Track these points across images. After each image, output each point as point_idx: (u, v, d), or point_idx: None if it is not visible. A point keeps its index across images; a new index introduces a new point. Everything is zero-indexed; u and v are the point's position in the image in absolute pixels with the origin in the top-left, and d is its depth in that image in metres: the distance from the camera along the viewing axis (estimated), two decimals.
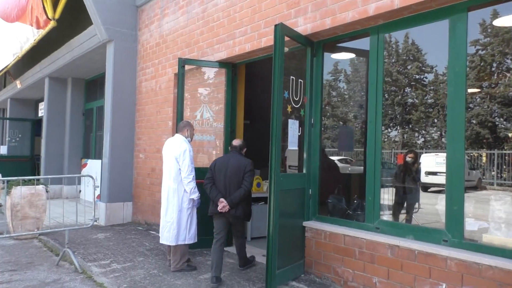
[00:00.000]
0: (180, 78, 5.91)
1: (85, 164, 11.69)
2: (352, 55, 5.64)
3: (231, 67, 6.19)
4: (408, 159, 7.38)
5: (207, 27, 6.36)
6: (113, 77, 7.94)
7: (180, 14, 7.00)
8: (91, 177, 5.86)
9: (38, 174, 14.77)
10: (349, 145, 6.06)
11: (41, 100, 15.05)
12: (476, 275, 3.37)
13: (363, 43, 4.64)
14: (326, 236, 4.61)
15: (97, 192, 10.45)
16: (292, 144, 4.65)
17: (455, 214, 3.62)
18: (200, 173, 6.03)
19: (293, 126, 4.63)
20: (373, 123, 4.32)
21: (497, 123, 19.88)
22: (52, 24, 8.65)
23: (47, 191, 7.35)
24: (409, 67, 25.21)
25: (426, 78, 24.74)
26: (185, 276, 4.92)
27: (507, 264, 3.20)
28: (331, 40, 4.86)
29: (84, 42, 8.69)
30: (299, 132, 4.74)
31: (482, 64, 19.41)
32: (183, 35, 6.92)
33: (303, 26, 4.77)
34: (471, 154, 19.18)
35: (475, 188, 17.36)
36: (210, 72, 6.42)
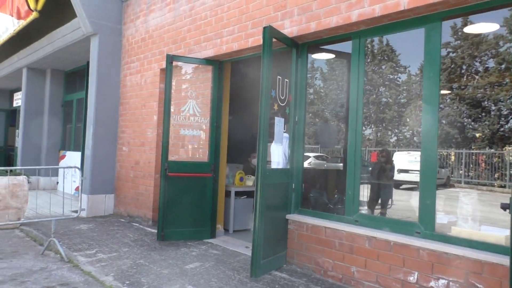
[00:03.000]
0: (168, 74, 6.06)
1: (63, 156, 11.63)
2: (333, 56, 5.92)
3: (217, 64, 6.37)
4: (381, 158, 7.77)
5: (194, 25, 6.51)
6: (98, 70, 7.98)
7: (167, 11, 7.11)
8: (78, 168, 5.94)
9: (12, 165, 14.53)
10: (330, 141, 6.34)
11: (17, 90, 14.79)
12: (446, 264, 3.71)
13: (345, 46, 4.93)
14: (308, 229, 4.88)
15: (76, 183, 10.48)
16: (278, 141, 4.88)
17: (427, 208, 3.95)
18: (193, 167, 6.25)
19: (279, 124, 4.87)
20: (354, 121, 4.60)
21: (465, 123, 20.76)
22: (34, 15, 8.58)
23: (29, 182, 7.37)
24: (383, 67, 25.91)
25: (399, 78, 25.52)
26: (171, 266, 5.10)
27: (473, 254, 3.54)
28: (315, 43, 5.12)
29: (67, 35, 8.66)
30: (284, 129, 4.98)
31: (452, 66, 20.20)
32: (169, 31, 7.05)
33: (289, 28, 5.00)
34: (440, 153, 19.97)
35: (444, 185, 18.14)
36: (196, 69, 6.58)
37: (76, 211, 6.48)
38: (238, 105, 7.95)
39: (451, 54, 20.43)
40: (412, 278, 3.91)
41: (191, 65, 6.52)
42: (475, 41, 19.76)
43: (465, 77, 20.60)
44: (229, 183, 7.01)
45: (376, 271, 4.21)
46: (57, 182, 11.55)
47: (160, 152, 7.27)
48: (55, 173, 11.45)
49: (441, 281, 3.71)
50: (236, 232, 6.96)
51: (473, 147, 20.14)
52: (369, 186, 7.58)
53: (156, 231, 6.92)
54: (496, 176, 18.04)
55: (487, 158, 18.85)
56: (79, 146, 10.62)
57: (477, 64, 20.06)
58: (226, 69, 6.51)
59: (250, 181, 7.24)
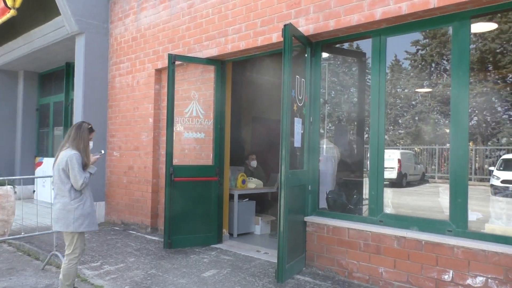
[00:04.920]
0: (170, 74, 5.80)
1: (40, 163, 11.02)
2: (347, 55, 5.87)
3: (220, 64, 6.17)
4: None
5: (194, 23, 6.27)
6: (85, 71, 7.57)
7: (162, 9, 6.83)
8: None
9: None
10: (344, 142, 6.31)
11: None
12: (483, 261, 3.71)
13: (362, 45, 4.87)
14: (329, 230, 4.79)
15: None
16: (297, 142, 4.77)
17: (459, 206, 3.94)
18: (199, 170, 6.04)
19: (298, 125, 4.75)
20: (375, 122, 4.55)
21: (437, 120, 21.41)
22: (11, 13, 8.04)
23: (15, 192, 6.90)
24: (353, 68, 26.26)
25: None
26: (187, 274, 4.88)
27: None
28: (330, 41, 5.03)
29: (48, 34, 8.17)
30: (301, 130, 4.87)
31: (423, 63, 20.81)
32: (165, 30, 6.77)
33: (305, 26, 4.89)
34: (414, 150, 20.52)
35: (419, 181, 18.65)
36: (197, 69, 6.35)
37: None
38: (234, 105, 7.78)
39: (420, 52, 21.03)
40: (447, 277, 3.90)
41: (192, 65, 6.29)
42: (443, 40, 20.38)
43: (435, 74, 21.26)
44: (232, 186, 6.83)
45: (406, 270, 4.17)
46: (34, 191, 10.93)
47: (157, 156, 7.01)
48: (30, 181, 10.81)
49: (479, 279, 3.71)
50: (241, 236, 6.79)
51: (445, 143, 20.80)
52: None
53: (157, 238, 6.65)
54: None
55: None
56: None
57: (445, 62, 20.79)
58: (228, 69, 6.33)
59: (252, 184, 7.09)
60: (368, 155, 4.69)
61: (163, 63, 6.74)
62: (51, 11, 7.83)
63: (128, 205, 7.42)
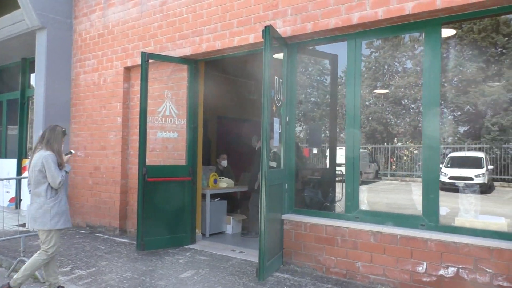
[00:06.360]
0: (143, 73, 5.69)
1: None
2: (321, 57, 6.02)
3: (193, 63, 6.14)
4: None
5: (167, 21, 6.19)
6: (47, 68, 7.24)
7: (132, 5, 6.68)
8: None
9: None
10: (318, 141, 6.46)
11: None
12: (455, 253, 3.97)
13: (336, 47, 5.04)
14: (307, 228, 4.92)
15: (10, 194, 9.43)
16: (275, 141, 4.85)
17: (431, 202, 4.19)
18: (172, 170, 5.98)
19: (276, 124, 4.83)
20: (351, 121, 4.72)
21: (389, 120, 22.39)
22: None
23: None
24: (310, 69, 26.82)
25: (325, 79, 26.62)
26: (165, 276, 4.83)
27: (481, 241, 3.84)
28: (305, 43, 5.16)
29: (4, 28, 7.74)
30: (279, 130, 4.96)
31: (376, 65, 21.66)
32: (135, 27, 6.62)
33: (283, 28, 4.98)
34: (368, 149, 21.32)
35: (373, 178, 19.43)
36: (168, 67, 6.27)
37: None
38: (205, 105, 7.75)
39: (374, 54, 21.89)
40: (421, 268, 4.13)
41: (164, 64, 6.21)
42: (395, 43, 21.35)
43: (387, 76, 22.21)
44: (204, 186, 6.80)
45: (383, 264, 4.37)
46: None
47: (126, 156, 6.87)
48: None
49: (451, 269, 3.97)
50: (213, 236, 6.78)
51: (397, 142, 21.80)
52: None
53: (127, 240, 6.50)
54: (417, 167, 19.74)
55: (408, 152, 20.52)
56: (14, 153, 9.55)
57: (397, 64, 21.77)
58: (201, 68, 6.30)
59: (223, 183, 7.10)
60: (344, 154, 4.85)
61: (133, 61, 6.59)
62: (8, 4, 7.42)
63: (94, 207, 7.18)
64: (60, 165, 4.09)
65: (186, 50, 5.94)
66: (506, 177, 17.70)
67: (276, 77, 4.82)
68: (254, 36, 5.21)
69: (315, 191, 5.35)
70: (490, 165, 16.77)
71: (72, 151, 4.69)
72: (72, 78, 7.65)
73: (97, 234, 6.92)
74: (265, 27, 4.46)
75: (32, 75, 9.25)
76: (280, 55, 5.13)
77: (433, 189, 4.20)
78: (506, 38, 19.25)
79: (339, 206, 6.58)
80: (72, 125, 7.63)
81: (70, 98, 7.66)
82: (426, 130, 4.25)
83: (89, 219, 7.29)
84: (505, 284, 3.70)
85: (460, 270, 3.92)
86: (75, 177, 7.54)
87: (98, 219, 7.12)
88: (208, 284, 4.56)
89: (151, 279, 4.74)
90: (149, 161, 6.13)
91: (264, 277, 4.51)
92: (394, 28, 4.46)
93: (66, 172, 4.19)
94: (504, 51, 19.33)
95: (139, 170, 5.68)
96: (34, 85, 7.63)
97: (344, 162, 4.80)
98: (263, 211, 4.42)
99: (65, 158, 4.30)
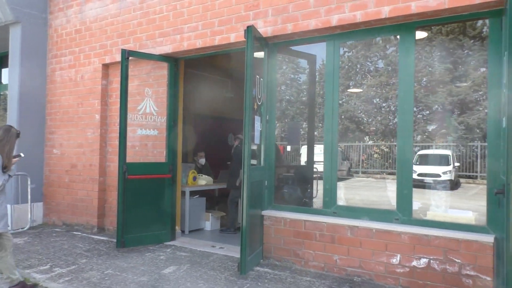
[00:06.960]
0: (123, 70, 5.69)
1: None
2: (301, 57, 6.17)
3: (174, 61, 6.17)
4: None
5: (147, 18, 6.20)
6: (21, 64, 7.09)
7: (110, 2, 6.63)
8: (26, 175, 5.30)
9: None
10: (297, 139, 6.61)
11: None
12: (426, 245, 4.20)
13: (315, 48, 5.20)
14: (286, 223, 5.06)
15: None
16: (256, 139, 4.97)
17: (405, 197, 4.41)
18: (153, 168, 6.01)
19: (257, 123, 4.95)
20: (329, 119, 4.89)
21: (361, 119, 22.91)
22: None
23: None
24: (284, 67, 27.13)
25: (300, 78, 27.01)
26: (147, 272, 4.87)
27: (450, 233, 4.08)
28: (285, 44, 5.29)
29: None
30: (260, 128, 5.07)
31: (349, 64, 22.12)
32: (114, 24, 6.59)
33: (263, 28, 5.10)
34: (340, 147, 21.76)
35: (345, 175, 19.86)
36: (148, 65, 6.28)
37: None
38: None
39: (347, 54, 22.34)
40: (395, 260, 4.35)
41: (144, 61, 6.22)
42: (367, 43, 21.84)
43: (359, 75, 22.71)
44: (183, 183, 6.85)
45: (359, 257, 4.56)
46: None
47: (104, 154, 6.84)
48: None
49: (423, 260, 4.20)
50: (192, 232, 6.85)
51: (368, 141, 22.34)
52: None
53: (106, 238, 6.48)
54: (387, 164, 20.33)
55: (379, 150, 21.09)
56: None
57: (369, 64, 22.30)
58: (181, 66, 6.34)
59: (202, 181, 7.17)
60: (320, 152, 5.02)
61: (112, 58, 6.56)
62: None
63: (71, 205, 7.11)
64: (5, 168, 4.02)
65: (166, 48, 5.98)
66: (471, 174, 18.47)
67: (257, 76, 4.94)
68: (235, 36, 5.30)
69: (294, 188, 5.50)
70: (457, 162, 17.49)
71: (21, 154, 4.50)
72: (47, 74, 7.53)
73: (75, 233, 6.86)
74: (248, 27, 4.57)
75: (4, 71, 9.03)
76: (260, 54, 5.24)
77: (407, 185, 4.42)
78: (472, 40, 20.07)
79: (316, 202, 6.78)
80: (47, 122, 7.51)
81: (46, 95, 7.53)
82: (401, 129, 4.47)
83: (65, 217, 7.21)
84: (472, 273, 3.95)
85: (431, 261, 4.16)
86: (51, 175, 7.44)
87: (75, 217, 7.05)
88: (191, 279, 4.64)
89: (133, 275, 4.77)
90: (128, 158, 6.13)
91: (245, 271, 4.63)
92: (371, 31, 4.65)
93: (9, 176, 4.11)
94: (470, 52, 20.14)
95: (119, 168, 5.68)
96: (8, 81, 7.45)
97: (320, 159, 4.96)
98: (245, 207, 4.54)
99: (13, 161, 4.18)
